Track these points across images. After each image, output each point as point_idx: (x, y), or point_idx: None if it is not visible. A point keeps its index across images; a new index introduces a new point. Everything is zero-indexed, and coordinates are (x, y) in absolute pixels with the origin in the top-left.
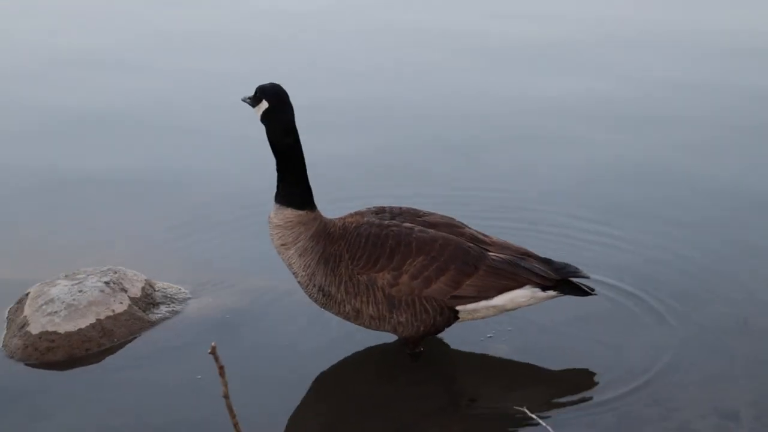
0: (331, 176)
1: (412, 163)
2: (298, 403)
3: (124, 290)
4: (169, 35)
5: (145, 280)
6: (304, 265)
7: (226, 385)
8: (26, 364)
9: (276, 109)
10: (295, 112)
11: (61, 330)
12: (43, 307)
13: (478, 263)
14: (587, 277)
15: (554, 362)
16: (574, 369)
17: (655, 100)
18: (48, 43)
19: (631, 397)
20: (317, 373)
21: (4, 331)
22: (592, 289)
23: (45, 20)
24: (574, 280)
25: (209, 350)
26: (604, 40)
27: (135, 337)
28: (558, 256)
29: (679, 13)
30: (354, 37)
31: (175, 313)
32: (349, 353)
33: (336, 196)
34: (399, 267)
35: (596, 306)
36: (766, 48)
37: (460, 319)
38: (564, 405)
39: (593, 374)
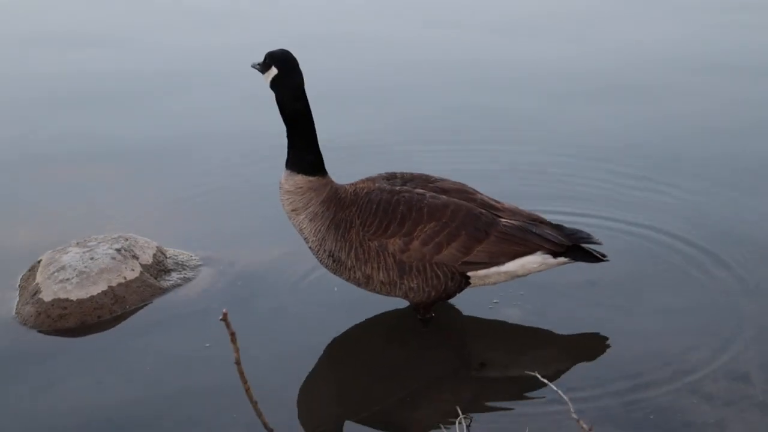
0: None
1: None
2: (309, 368)
3: (136, 257)
4: (170, 11)
5: (157, 247)
6: (315, 230)
7: (237, 351)
8: (39, 331)
9: (285, 75)
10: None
11: (73, 297)
12: (55, 274)
13: (489, 229)
14: (599, 243)
15: (565, 327)
16: (585, 333)
17: None
18: (58, 19)
19: (642, 361)
20: (328, 338)
21: (17, 299)
22: (604, 255)
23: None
24: (586, 246)
25: (221, 317)
26: None
27: (147, 304)
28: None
29: None
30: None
31: (187, 280)
32: (360, 319)
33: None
34: (410, 233)
35: (607, 270)
36: None
37: (471, 285)
38: (575, 369)
39: (604, 338)
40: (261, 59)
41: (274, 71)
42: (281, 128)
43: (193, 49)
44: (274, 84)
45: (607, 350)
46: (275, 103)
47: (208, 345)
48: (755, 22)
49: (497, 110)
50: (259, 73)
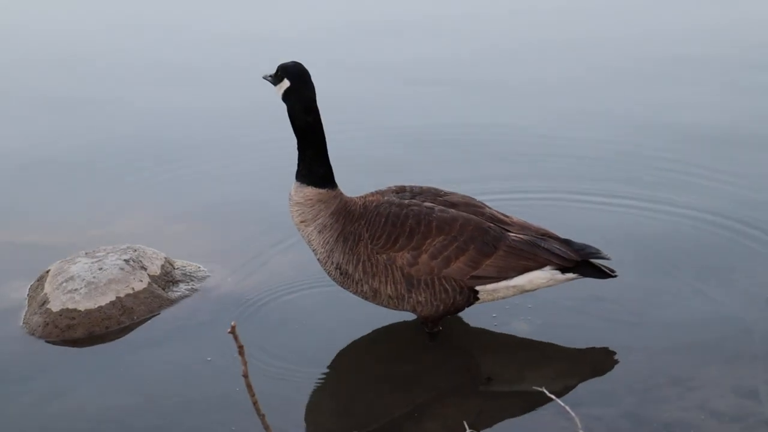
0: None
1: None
2: (316, 381)
3: (144, 268)
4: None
5: (165, 257)
6: (323, 242)
7: (245, 364)
8: (47, 341)
9: (297, 87)
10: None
11: (81, 307)
12: (64, 284)
13: (497, 243)
14: (608, 258)
15: (573, 341)
16: (593, 348)
17: None
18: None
19: (649, 376)
20: (336, 351)
21: (25, 308)
22: (613, 271)
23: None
24: (595, 261)
25: (229, 330)
26: None
27: (154, 315)
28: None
29: None
30: None
31: (195, 291)
32: (368, 331)
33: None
34: (419, 246)
35: (615, 285)
36: None
37: (479, 300)
38: (582, 384)
39: (612, 353)
40: (273, 71)
41: (286, 84)
42: (292, 138)
43: (205, 50)
44: (286, 96)
45: (615, 366)
46: (286, 114)
47: (214, 357)
48: None
49: None
50: (271, 85)
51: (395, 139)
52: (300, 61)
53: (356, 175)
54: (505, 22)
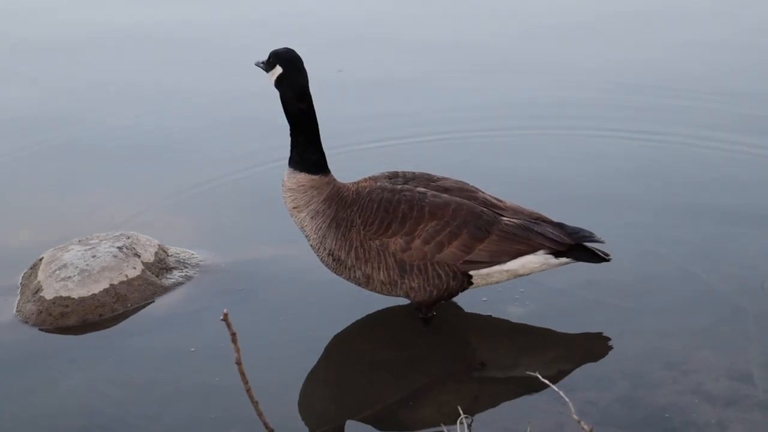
0: None
1: None
2: (310, 367)
3: (137, 255)
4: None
5: (158, 245)
6: (316, 228)
7: (238, 351)
8: (40, 329)
9: (290, 74)
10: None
11: (75, 295)
12: (57, 272)
13: (490, 228)
14: (601, 242)
15: (567, 326)
16: (587, 333)
17: None
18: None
19: (644, 361)
20: (329, 337)
21: (18, 297)
22: (607, 255)
23: None
24: (588, 245)
25: (221, 317)
26: None
27: (148, 303)
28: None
29: None
30: None
31: (189, 278)
32: (362, 317)
33: None
34: (411, 232)
35: (610, 269)
36: None
37: (473, 284)
38: (576, 369)
39: (606, 338)
40: (265, 57)
41: (278, 70)
42: (285, 124)
43: (195, 39)
44: (279, 83)
45: (609, 350)
46: (279, 101)
47: (208, 344)
48: None
49: None
50: (263, 72)
51: None
52: (292, 48)
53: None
54: None
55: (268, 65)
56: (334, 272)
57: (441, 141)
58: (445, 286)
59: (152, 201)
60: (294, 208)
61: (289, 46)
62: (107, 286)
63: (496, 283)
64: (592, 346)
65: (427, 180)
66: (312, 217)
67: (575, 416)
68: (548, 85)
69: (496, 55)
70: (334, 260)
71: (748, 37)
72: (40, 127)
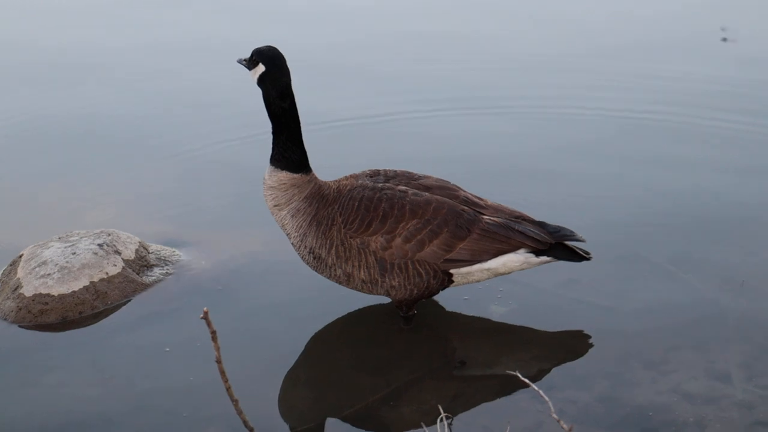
0: None
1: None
2: (290, 366)
3: (118, 252)
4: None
5: (139, 242)
6: (296, 227)
7: (218, 349)
8: (20, 326)
9: (272, 72)
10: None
11: (55, 292)
12: (36, 269)
13: (471, 226)
14: (582, 241)
15: (547, 324)
16: (567, 331)
17: None
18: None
19: (623, 360)
20: (310, 335)
21: None
22: (588, 253)
23: None
24: (569, 243)
25: (201, 315)
26: None
27: (129, 300)
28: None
29: None
30: None
31: (169, 275)
32: (342, 315)
33: None
34: (392, 230)
35: (590, 268)
36: None
37: (454, 283)
38: (556, 368)
39: (586, 337)
40: (247, 55)
41: (261, 68)
42: (265, 119)
43: (171, 33)
44: (261, 81)
45: (589, 349)
46: (261, 99)
47: (187, 342)
48: None
49: None
50: (246, 69)
51: None
52: (274, 45)
53: None
54: None
55: (250, 63)
56: (315, 270)
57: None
58: (425, 285)
59: (133, 197)
60: (275, 206)
61: (271, 44)
62: (87, 283)
63: (477, 281)
64: (573, 345)
65: (408, 178)
66: (293, 216)
67: (555, 415)
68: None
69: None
70: (314, 258)
71: None
72: (17, 121)
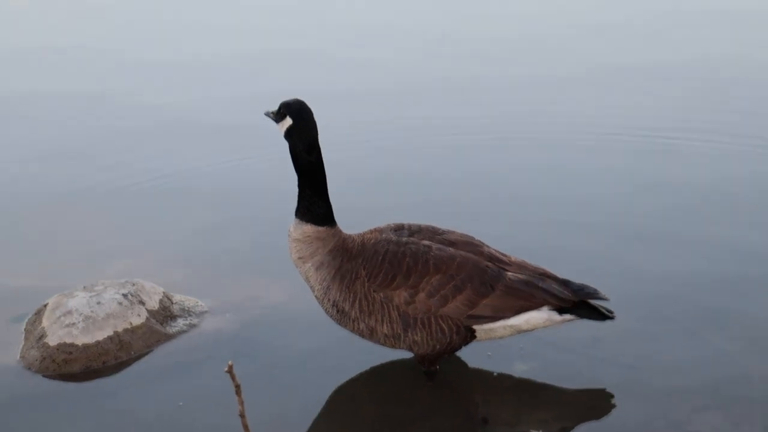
0: None
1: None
2: (312, 420)
3: (142, 303)
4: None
5: (163, 292)
6: (320, 279)
7: (242, 403)
8: (44, 376)
9: (300, 126)
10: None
11: (79, 342)
12: (61, 318)
13: (495, 283)
14: (606, 299)
15: (571, 383)
16: (590, 390)
17: None
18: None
19: (648, 421)
20: (332, 390)
21: (22, 343)
22: (611, 312)
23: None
24: (593, 302)
25: (226, 368)
26: None
27: (152, 351)
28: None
29: None
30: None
31: (193, 326)
32: (365, 369)
33: None
34: (416, 285)
35: (613, 326)
36: None
37: (476, 339)
38: (579, 428)
39: (610, 396)
40: (275, 108)
41: (288, 122)
42: (291, 172)
43: (197, 96)
44: (288, 135)
45: (612, 409)
46: (288, 151)
47: (211, 395)
48: None
49: None
50: (273, 122)
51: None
52: (302, 99)
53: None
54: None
55: (278, 116)
56: (338, 323)
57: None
58: (448, 341)
59: (158, 246)
60: (299, 258)
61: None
62: (111, 333)
63: (500, 338)
64: (596, 404)
65: (433, 233)
66: (317, 269)
67: None
68: None
69: None
70: (338, 312)
71: None
72: (47, 173)
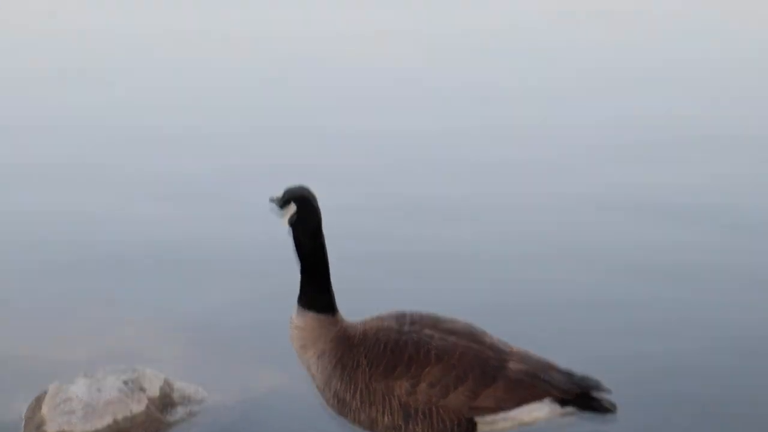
0: None
1: None
2: None
3: (143, 390)
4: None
5: (164, 379)
6: (322, 369)
7: None
8: None
9: (303, 213)
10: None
11: (78, 430)
12: (61, 405)
13: (497, 374)
14: (608, 391)
15: None
16: None
17: None
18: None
19: None
20: None
21: (21, 431)
22: (613, 405)
23: None
24: (595, 394)
25: None
26: None
27: None
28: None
29: None
30: None
31: (192, 414)
32: None
33: None
34: (417, 375)
35: (618, 421)
36: None
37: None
38: None
39: None
40: (279, 194)
41: (292, 208)
42: (290, 255)
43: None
44: (292, 222)
45: None
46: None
47: None
48: None
49: None
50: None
51: None
52: (306, 186)
53: None
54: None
55: (282, 202)
56: (339, 415)
57: None
58: None
59: (158, 331)
60: (301, 347)
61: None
62: (111, 421)
63: (502, 430)
64: None
65: (435, 322)
66: (318, 357)
67: None
68: None
69: None
70: (338, 402)
71: None
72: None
